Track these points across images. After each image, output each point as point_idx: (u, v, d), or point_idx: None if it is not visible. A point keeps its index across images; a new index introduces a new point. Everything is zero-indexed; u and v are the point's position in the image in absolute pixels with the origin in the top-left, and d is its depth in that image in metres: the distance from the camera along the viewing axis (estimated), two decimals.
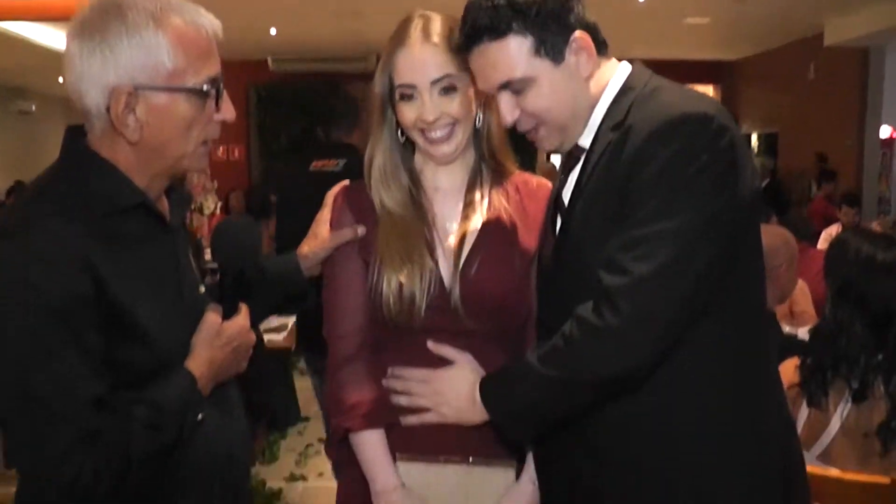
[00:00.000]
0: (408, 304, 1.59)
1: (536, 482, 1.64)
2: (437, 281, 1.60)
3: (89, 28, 1.30)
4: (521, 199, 1.70)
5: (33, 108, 14.09)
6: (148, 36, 1.29)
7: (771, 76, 11.65)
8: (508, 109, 1.50)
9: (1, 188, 10.22)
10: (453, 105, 1.60)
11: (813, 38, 9.92)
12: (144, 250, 1.38)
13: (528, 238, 1.65)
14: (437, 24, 1.59)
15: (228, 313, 1.52)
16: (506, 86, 1.48)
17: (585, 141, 1.51)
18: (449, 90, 1.59)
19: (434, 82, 1.58)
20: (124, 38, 1.29)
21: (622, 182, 1.37)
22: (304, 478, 4.71)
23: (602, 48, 1.51)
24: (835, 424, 2.15)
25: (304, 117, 11.90)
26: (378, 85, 1.64)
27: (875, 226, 5.96)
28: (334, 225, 1.70)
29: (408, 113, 1.61)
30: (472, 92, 1.62)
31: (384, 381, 1.65)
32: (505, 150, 1.72)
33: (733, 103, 12.46)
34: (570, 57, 1.47)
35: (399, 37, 1.60)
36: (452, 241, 1.64)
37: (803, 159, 10.42)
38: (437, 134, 1.61)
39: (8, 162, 12.78)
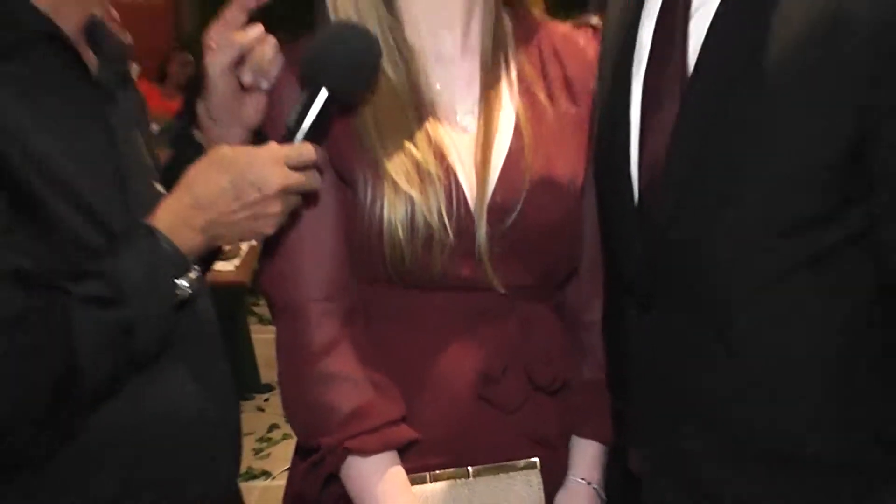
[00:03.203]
0: (424, 240, 1.08)
1: (595, 482, 1.20)
2: (461, 203, 1.10)
3: None
4: (562, 66, 1.16)
5: None
6: None
7: None
8: None
9: None
10: None
11: None
12: (64, 108, 0.99)
13: (581, 133, 1.16)
14: None
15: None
16: None
17: None
18: None
19: None
20: None
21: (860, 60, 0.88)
22: (266, 473, 3.37)
23: None
24: None
25: None
26: None
27: None
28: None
29: None
30: None
31: None
32: None
33: None
34: None
35: None
36: (470, 141, 1.13)
37: None
38: None
39: None
